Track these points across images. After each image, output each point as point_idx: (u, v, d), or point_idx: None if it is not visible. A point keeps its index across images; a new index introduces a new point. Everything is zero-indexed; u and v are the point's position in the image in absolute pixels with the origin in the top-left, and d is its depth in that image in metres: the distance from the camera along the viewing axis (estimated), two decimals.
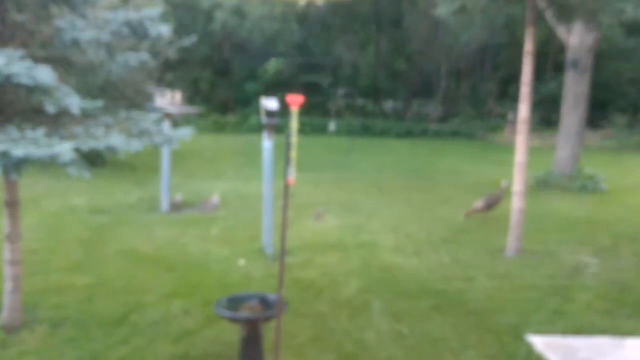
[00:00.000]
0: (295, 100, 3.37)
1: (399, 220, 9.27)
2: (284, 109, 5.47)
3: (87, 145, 4.44)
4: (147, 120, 5.07)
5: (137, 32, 4.94)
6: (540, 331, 5.29)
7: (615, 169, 15.12)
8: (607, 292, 6.29)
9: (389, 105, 29.33)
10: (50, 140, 4.17)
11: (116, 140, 4.55)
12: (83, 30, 4.60)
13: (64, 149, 4.10)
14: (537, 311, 5.73)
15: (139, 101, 13.71)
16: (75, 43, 4.72)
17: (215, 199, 9.91)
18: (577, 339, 5.19)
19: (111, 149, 4.57)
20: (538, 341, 5.08)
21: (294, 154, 3.38)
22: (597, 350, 4.98)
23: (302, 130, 23.08)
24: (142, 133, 4.86)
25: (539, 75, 23.99)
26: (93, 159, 12.67)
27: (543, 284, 6.50)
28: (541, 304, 5.91)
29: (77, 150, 4.34)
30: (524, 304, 5.91)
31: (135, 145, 4.69)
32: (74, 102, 4.36)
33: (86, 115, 5.10)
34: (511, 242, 7.55)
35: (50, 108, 4.24)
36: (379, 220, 9.25)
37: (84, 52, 5.14)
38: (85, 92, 4.99)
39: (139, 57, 5.71)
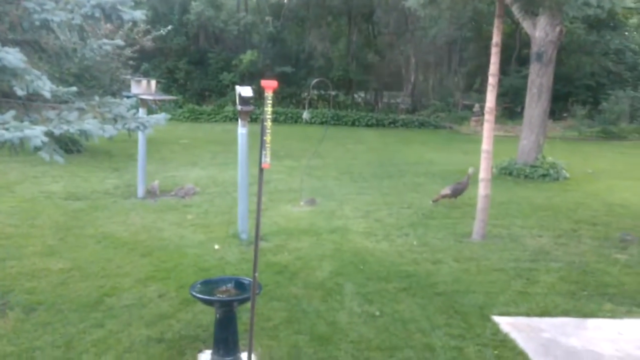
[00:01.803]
0: (270, 85, 3.46)
1: (370, 206, 9.43)
2: (259, 99, 5.57)
3: (60, 129, 4.44)
4: (121, 106, 5.11)
5: (110, 16, 4.95)
6: (505, 312, 5.48)
7: (576, 158, 15.55)
8: (569, 275, 6.54)
9: (360, 96, 29.58)
10: (21, 123, 4.17)
11: (90, 125, 4.56)
12: (53, 12, 4.59)
13: (36, 132, 4.11)
14: (502, 293, 5.93)
15: (114, 89, 13.68)
16: (46, 25, 4.71)
17: (190, 186, 9.95)
18: (541, 320, 5.40)
19: (85, 134, 4.59)
20: (503, 322, 5.27)
21: (268, 138, 3.47)
22: (561, 331, 5.19)
23: (276, 120, 23.30)
24: (116, 118, 4.89)
25: (503, 68, 24.51)
26: (69, 146, 12.59)
27: (508, 266, 6.73)
28: (506, 286, 6.12)
29: (50, 135, 4.35)
30: (489, 286, 6.11)
31: (110, 130, 4.72)
32: (45, 86, 4.37)
33: (60, 100, 5.11)
34: (477, 227, 7.78)
35: (19, 91, 4.23)
36: (350, 206, 9.40)
37: (55, 35, 5.13)
38: (61, 78, 5.02)
39: (113, 43, 5.74)
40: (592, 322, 5.41)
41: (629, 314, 5.60)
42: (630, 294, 6.05)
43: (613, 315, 5.56)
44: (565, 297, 5.91)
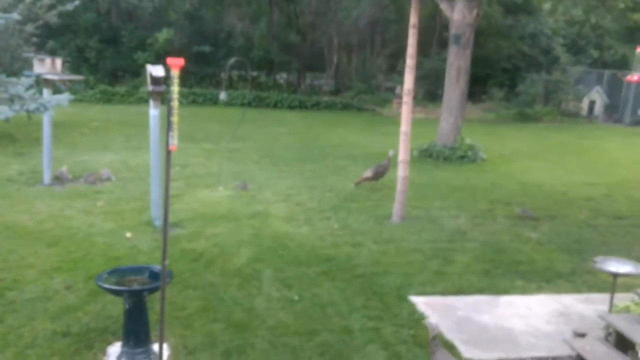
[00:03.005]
0: (176, 63, 3.27)
1: (291, 190, 9.35)
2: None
3: None
4: (18, 85, 4.75)
5: None
6: (422, 292, 5.58)
7: (493, 140, 16.07)
8: (484, 254, 6.75)
9: (282, 77, 29.31)
10: None
11: None
12: None
13: None
14: (419, 273, 6.04)
15: (15, 68, 12.79)
16: None
17: (106, 171, 9.52)
18: (456, 298, 5.55)
19: None
20: (420, 301, 5.37)
21: (175, 118, 3.29)
22: (474, 308, 5.35)
23: (195, 101, 22.70)
24: (12, 99, 4.55)
25: (424, 51, 24.96)
26: None
27: (425, 247, 6.84)
28: (424, 267, 6.23)
29: None
30: (407, 266, 6.20)
31: (5, 111, 4.41)
32: None
33: None
34: (397, 209, 7.87)
35: None
36: (271, 190, 9.28)
37: None
38: None
39: (8, 16, 5.31)
40: (504, 299, 5.60)
41: (539, 290, 5.83)
42: (540, 271, 6.30)
43: (524, 291, 5.77)
44: (479, 276, 6.09)
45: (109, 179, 9.34)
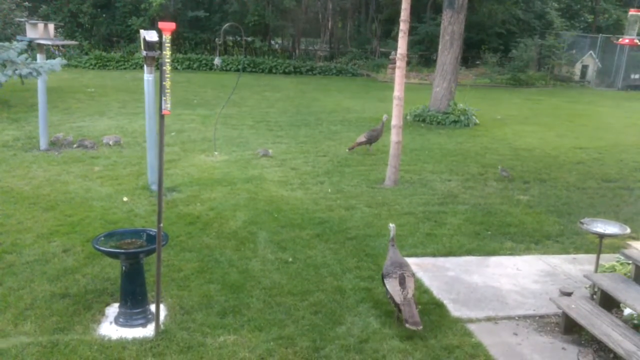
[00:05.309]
0: (167, 27, 3.30)
1: (286, 155, 9.41)
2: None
3: None
4: (10, 50, 4.75)
5: None
6: (413, 253, 5.70)
7: (486, 105, 16.09)
8: (475, 216, 6.85)
9: (277, 43, 29.06)
10: None
11: None
12: None
13: None
14: (411, 235, 6.15)
15: (8, 33, 12.67)
16: None
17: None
18: (447, 259, 5.67)
19: None
20: (411, 262, 5.43)
21: (168, 83, 3.32)
22: (464, 269, 5.47)
23: (190, 67, 22.54)
24: (5, 63, 4.56)
25: (419, 16, 24.73)
26: None
27: (417, 210, 6.94)
28: (415, 229, 6.34)
29: None
30: (399, 229, 6.24)
31: None
32: None
33: None
34: (389, 173, 7.95)
35: None
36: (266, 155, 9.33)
37: None
38: None
39: None
40: (493, 260, 5.72)
41: (527, 250, 5.96)
42: (529, 232, 6.42)
43: (513, 252, 5.90)
44: (469, 238, 6.21)
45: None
